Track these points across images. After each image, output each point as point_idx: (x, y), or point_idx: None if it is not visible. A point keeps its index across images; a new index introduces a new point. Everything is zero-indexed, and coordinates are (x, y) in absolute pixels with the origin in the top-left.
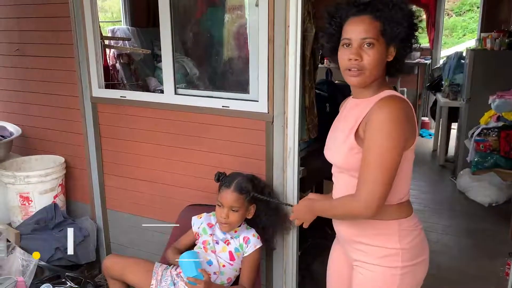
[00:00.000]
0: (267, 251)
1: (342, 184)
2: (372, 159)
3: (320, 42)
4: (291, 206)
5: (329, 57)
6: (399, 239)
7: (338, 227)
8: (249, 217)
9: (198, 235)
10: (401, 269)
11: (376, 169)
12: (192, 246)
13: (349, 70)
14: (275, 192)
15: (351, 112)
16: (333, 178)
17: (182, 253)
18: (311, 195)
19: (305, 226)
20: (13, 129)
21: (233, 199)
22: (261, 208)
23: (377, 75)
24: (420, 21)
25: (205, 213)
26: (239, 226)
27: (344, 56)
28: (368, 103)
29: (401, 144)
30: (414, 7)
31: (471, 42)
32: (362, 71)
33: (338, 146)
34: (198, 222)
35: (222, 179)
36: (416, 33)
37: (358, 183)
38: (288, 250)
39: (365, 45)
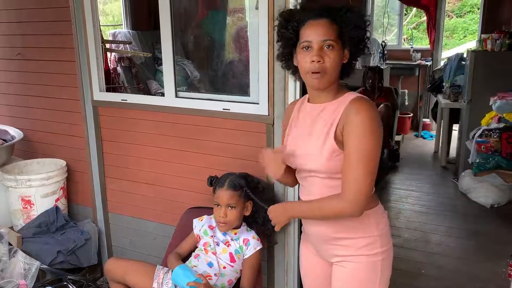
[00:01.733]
0: (268, 249)
1: (317, 187)
2: (356, 160)
3: (277, 47)
4: (266, 208)
5: (283, 62)
6: (376, 226)
7: (314, 227)
8: (247, 214)
9: (199, 237)
10: (381, 254)
11: (360, 169)
12: (193, 249)
13: (312, 73)
14: (276, 193)
15: (320, 117)
16: (303, 182)
17: (183, 257)
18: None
19: (277, 229)
20: (14, 132)
21: (228, 197)
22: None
23: (336, 77)
24: (368, 25)
25: (206, 216)
26: (239, 228)
27: (306, 58)
28: (337, 106)
29: (380, 142)
30: (362, 12)
31: (472, 44)
32: (324, 73)
33: (316, 152)
34: (199, 225)
35: (215, 181)
36: (367, 37)
37: (343, 184)
38: (290, 251)
39: (325, 47)
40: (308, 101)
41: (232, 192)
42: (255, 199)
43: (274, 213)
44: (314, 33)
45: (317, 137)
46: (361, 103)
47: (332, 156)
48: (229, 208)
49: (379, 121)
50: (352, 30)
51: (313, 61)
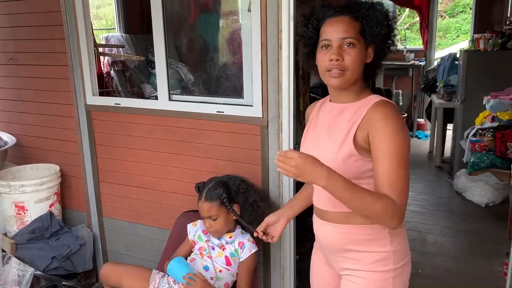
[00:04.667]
0: (264, 252)
1: (329, 194)
2: (396, 167)
3: (298, 47)
4: (253, 231)
5: (305, 62)
6: (390, 241)
7: (326, 237)
8: (235, 218)
9: (194, 242)
10: (393, 271)
11: (401, 178)
12: (190, 254)
13: (330, 71)
14: (270, 196)
15: (340, 118)
16: (316, 187)
17: None
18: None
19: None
20: (7, 138)
21: (207, 209)
22: (246, 201)
23: (358, 77)
24: (396, 22)
25: (199, 220)
26: (233, 231)
27: (325, 57)
28: (359, 107)
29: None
30: (388, 8)
31: (464, 43)
32: (343, 72)
33: (331, 154)
34: (193, 230)
35: (201, 189)
36: (394, 34)
37: (391, 195)
38: (286, 254)
39: (345, 45)
40: (330, 101)
41: (210, 204)
42: (242, 222)
43: (301, 161)
44: (333, 31)
45: (335, 139)
46: (390, 108)
47: (349, 160)
48: (212, 220)
49: (407, 128)
50: (374, 27)
51: (332, 60)
